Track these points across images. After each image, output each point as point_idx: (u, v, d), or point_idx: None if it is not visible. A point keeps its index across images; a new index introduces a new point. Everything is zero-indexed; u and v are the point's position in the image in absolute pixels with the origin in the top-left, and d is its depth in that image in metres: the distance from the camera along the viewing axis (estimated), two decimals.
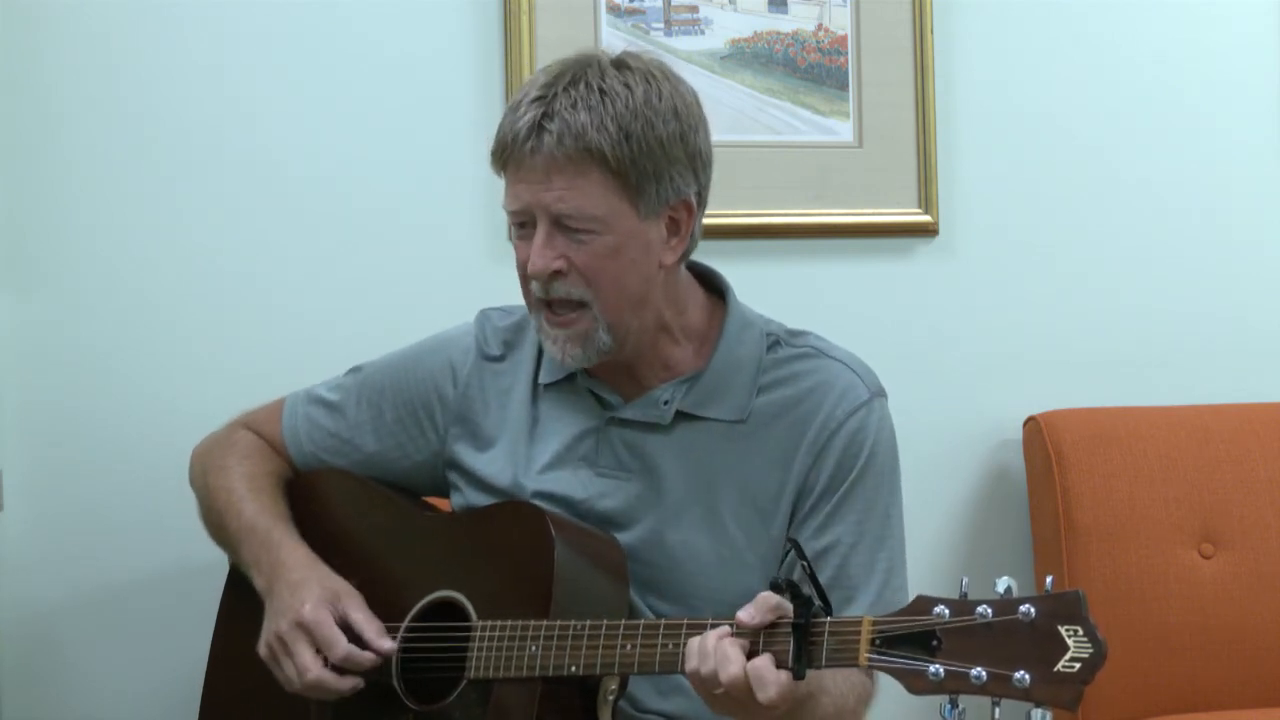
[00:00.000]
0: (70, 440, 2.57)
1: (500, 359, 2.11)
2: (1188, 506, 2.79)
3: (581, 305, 1.93)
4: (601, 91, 1.89)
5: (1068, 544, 2.75)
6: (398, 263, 2.68)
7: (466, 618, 1.95)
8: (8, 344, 2.55)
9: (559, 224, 1.91)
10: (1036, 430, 2.84)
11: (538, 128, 1.88)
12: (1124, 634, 2.72)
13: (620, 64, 1.94)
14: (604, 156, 1.87)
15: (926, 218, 2.88)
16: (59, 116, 2.58)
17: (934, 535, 2.87)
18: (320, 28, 2.66)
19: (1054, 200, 2.95)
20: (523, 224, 1.94)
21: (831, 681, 1.83)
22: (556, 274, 1.92)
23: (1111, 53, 2.98)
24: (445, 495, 2.15)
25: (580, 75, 1.91)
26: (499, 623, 1.90)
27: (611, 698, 1.86)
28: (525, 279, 1.95)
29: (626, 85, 1.90)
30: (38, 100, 2.57)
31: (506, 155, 1.92)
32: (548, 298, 1.94)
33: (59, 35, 2.56)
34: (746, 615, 1.70)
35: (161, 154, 2.61)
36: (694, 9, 2.81)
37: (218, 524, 2.18)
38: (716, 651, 1.70)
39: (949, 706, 1.58)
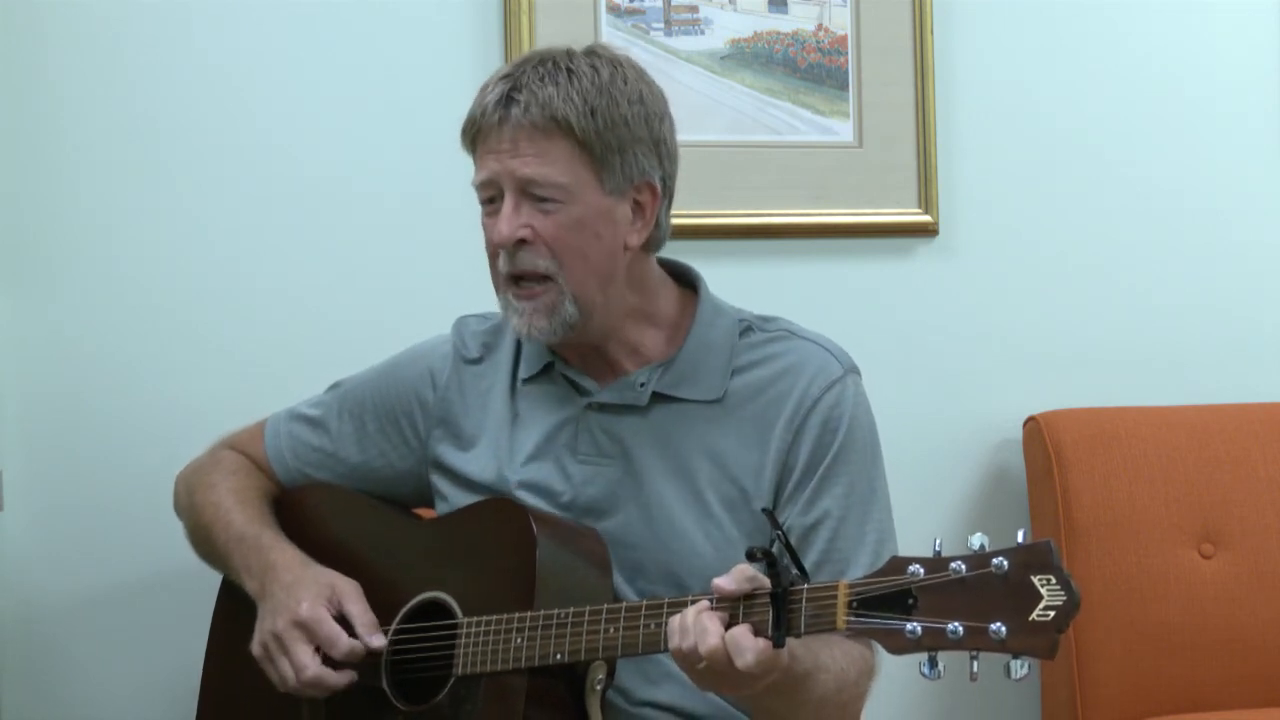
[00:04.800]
0: (70, 440, 2.58)
1: (479, 361, 2.13)
2: (1188, 506, 2.79)
3: (547, 279, 1.95)
4: (569, 70, 1.95)
5: (1068, 544, 2.75)
6: (396, 262, 2.69)
7: (453, 617, 1.95)
8: (8, 344, 2.55)
9: (525, 192, 1.94)
10: (1036, 430, 2.84)
11: (506, 98, 1.94)
12: (1124, 634, 2.73)
13: (589, 52, 1.99)
14: (570, 126, 1.92)
15: (926, 218, 2.88)
16: (60, 116, 2.58)
17: (933, 535, 2.86)
18: (320, 28, 2.66)
19: (1054, 200, 2.95)
20: (491, 199, 1.98)
21: (830, 658, 1.84)
22: (522, 243, 1.95)
23: (1111, 53, 2.98)
24: (429, 505, 2.16)
25: (549, 58, 1.97)
26: (484, 618, 1.91)
27: (599, 687, 1.87)
28: (493, 256, 1.99)
29: (593, 67, 1.96)
30: (38, 100, 2.57)
31: (476, 129, 1.97)
32: (514, 270, 1.96)
33: (60, 35, 2.57)
34: (723, 581, 1.71)
35: (162, 154, 2.61)
36: (694, 9, 2.81)
37: (205, 539, 2.18)
38: (695, 625, 1.71)
39: (928, 665, 1.59)
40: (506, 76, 1.96)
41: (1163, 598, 2.75)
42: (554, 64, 1.95)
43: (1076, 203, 2.97)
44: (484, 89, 1.97)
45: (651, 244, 2.02)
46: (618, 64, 1.98)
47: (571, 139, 1.92)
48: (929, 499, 2.85)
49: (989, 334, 2.93)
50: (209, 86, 2.62)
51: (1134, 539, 2.76)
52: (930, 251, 2.90)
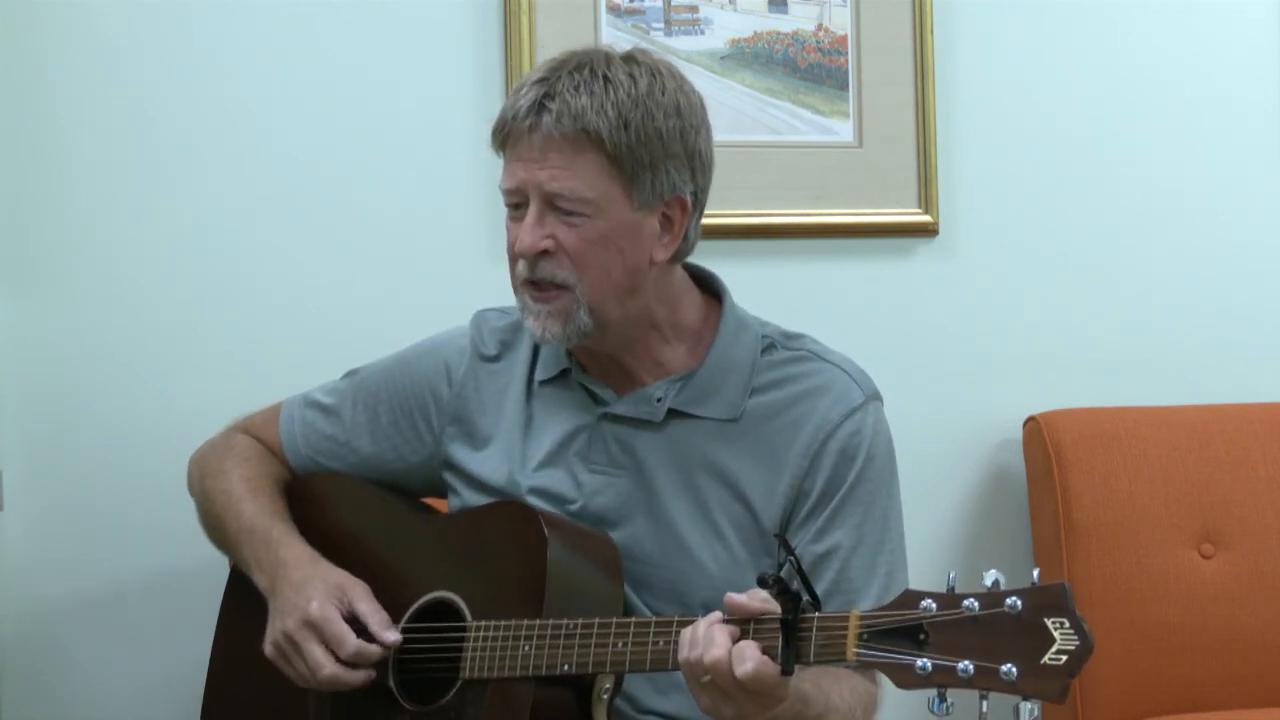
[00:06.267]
0: (70, 440, 2.57)
1: (496, 359, 2.11)
2: (1188, 506, 2.79)
3: (564, 288, 1.93)
4: (605, 79, 1.90)
5: (1068, 544, 2.75)
6: (397, 262, 2.68)
7: (462, 618, 1.95)
8: (8, 344, 2.55)
9: (551, 204, 1.91)
10: (1036, 430, 2.84)
11: (538, 106, 1.89)
12: (1124, 634, 2.73)
13: (628, 58, 1.95)
14: (600, 140, 1.88)
15: (926, 218, 2.88)
16: (60, 116, 2.58)
17: (934, 535, 2.87)
18: (320, 28, 2.66)
19: (1054, 200, 2.95)
20: (517, 205, 1.95)
21: (839, 697, 1.84)
22: (544, 254, 1.92)
23: (1111, 53, 2.98)
24: (440, 496, 2.15)
25: (586, 62, 1.92)
26: (493, 623, 1.90)
27: (606, 696, 1.87)
28: (513, 259, 1.96)
29: (631, 76, 1.91)
30: (39, 100, 2.57)
31: (506, 132, 1.93)
32: (532, 277, 1.93)
33: (60, 35, 2.56)
34: (739, 597, 1.71)
35: (162, 154, 2.61)
36: (694, 9, 2.81)
37: (216, 526, 2.18)
38: (705, 637, 1.70)
39: (937, 701, 1.58)
40: (541, 80, 1.91)
41: (1163, 598, 2.75)
42: (591, 71, 1.90)
43: (1076, 203, 2.96)
44: (517, 90, 1.93)
45: (678, 256, 1.99)
46: (656, 72, 1.93)
47: (602, 152, 1.88)
48: (929, 499, 2.85)
49: (989, 334, 2.93)
50: (209, 86, 2.62)
51: (1134, 539, 2.76)
52: (930, 251, 2.90)
